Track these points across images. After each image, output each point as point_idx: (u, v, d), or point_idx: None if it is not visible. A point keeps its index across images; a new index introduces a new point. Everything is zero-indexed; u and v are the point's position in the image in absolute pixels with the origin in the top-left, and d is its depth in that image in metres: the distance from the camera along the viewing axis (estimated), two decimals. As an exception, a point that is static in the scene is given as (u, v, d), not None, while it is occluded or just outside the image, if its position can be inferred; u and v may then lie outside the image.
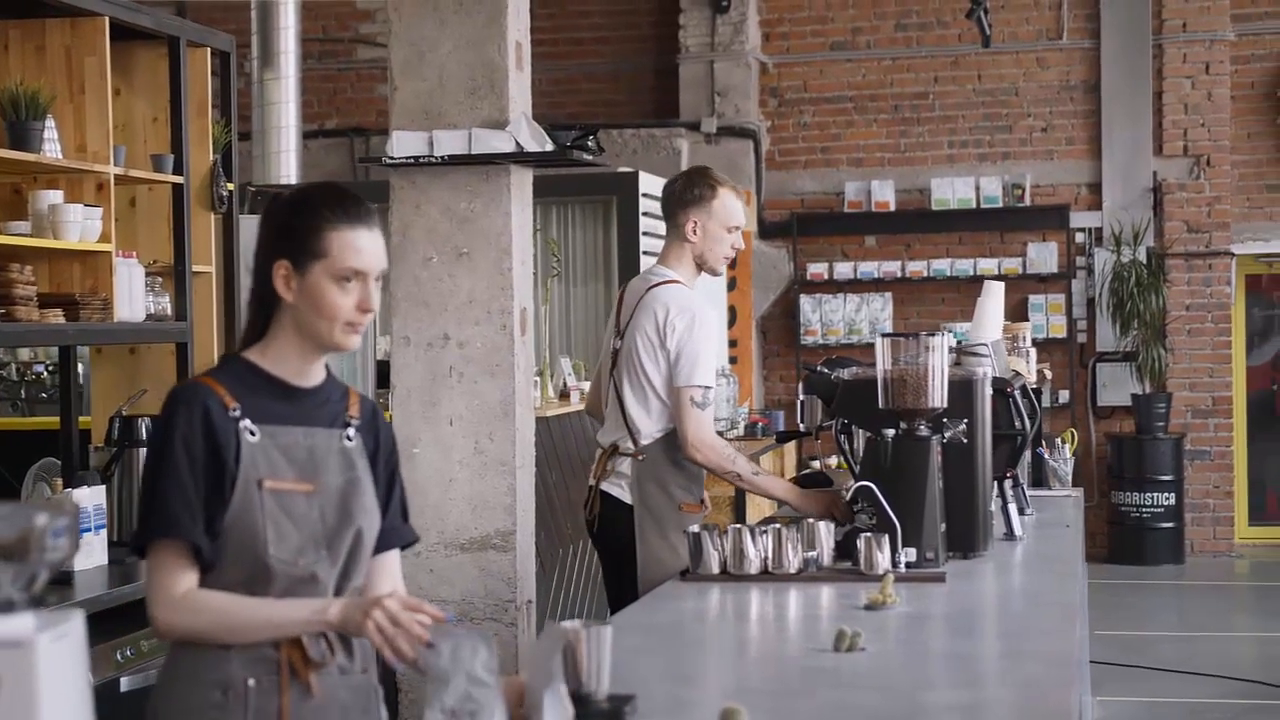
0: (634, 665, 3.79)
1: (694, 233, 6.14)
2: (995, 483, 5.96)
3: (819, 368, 6.12)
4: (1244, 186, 15.41)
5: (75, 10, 6.48)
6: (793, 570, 5.13)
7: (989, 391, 5.74)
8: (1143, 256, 15.03)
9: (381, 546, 3.61)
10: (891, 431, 5.33)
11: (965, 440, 5.50)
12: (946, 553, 5.37)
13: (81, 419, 7.13)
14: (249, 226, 7.68)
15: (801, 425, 6.28)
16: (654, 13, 16.20)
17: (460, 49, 6.80)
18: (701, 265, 6.22)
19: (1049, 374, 9.65)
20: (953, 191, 15.44)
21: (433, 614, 3.26)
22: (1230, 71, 15.29)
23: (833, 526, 5.32)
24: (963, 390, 5.52)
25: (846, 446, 5.98)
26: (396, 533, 3.65)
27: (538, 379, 9.17)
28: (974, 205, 15.42)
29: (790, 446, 13.38)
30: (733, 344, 14.92)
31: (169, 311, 6.96)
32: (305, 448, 3.45)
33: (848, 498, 5.43)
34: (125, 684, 5.46)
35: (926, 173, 15.62)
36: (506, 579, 6.82)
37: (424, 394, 6.78)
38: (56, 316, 6.24)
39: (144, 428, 6.54)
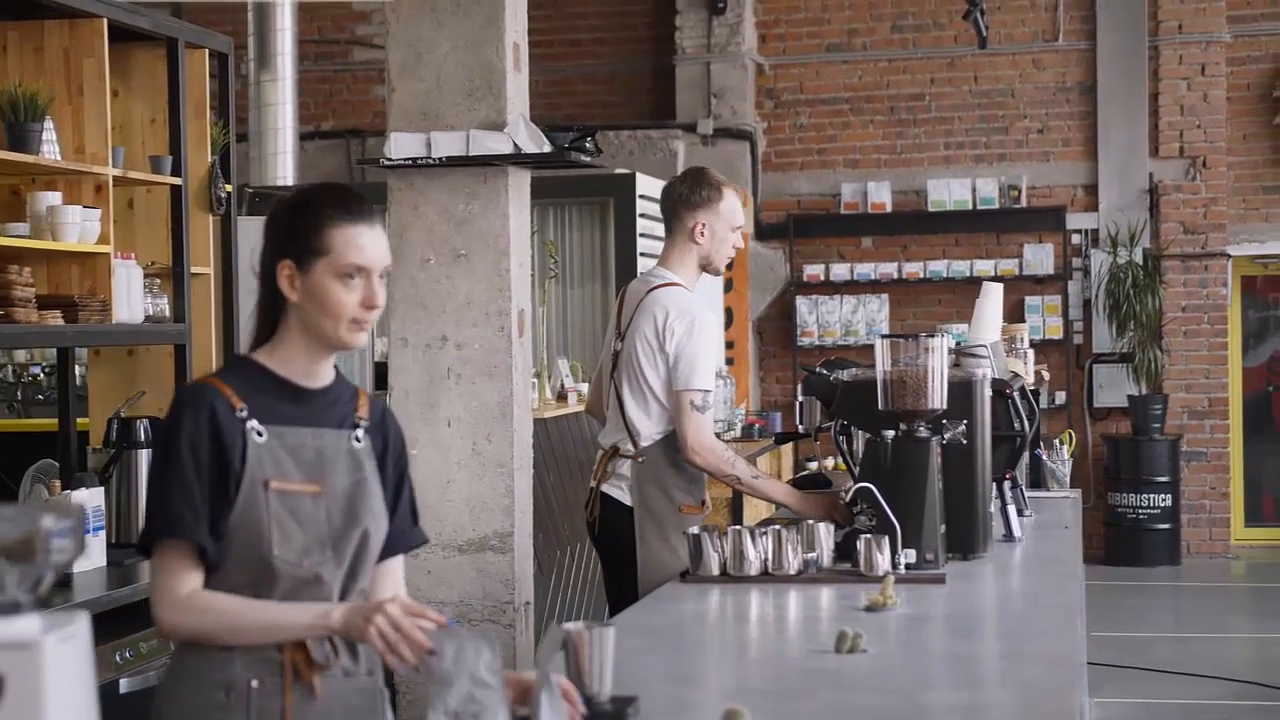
0: (635, 666, 3.79)
1: (701, 235, 6.13)
2: (994, 484, 5.96)
3: (818, 369, 6.12)
4: (1240, 188, 15.41)
5: (74, 12, 6.48)
6: (793, 572, 5.13)
7: (988, 393, 5.74)
8: (1139, 258, 15.03)
9: (389, 551, 3.61)
10: (891, 433, 5.33)
11: (965, 441, 5.50)
12: (946, 554, 5.37)
13: (79, 420, 7.13)
14: (247, 228, 7.69)
15: (800, 427, 6.28)
16: (650, 14, 16.20)
17: (458, 50, 6.80)
18: (706, 267, 6.22)
19: (1046, 375, 9.65)
20: (949, 193, 15.44)
21: (434, 619, 3.26)
22: (1226, 73, 15.30)
23: (832, 528, 5.32)
24: (962, 392, 5.52)
25: (846, 448, 5.97)
26: (405, 536, 3.65)
27: (535, 380, 9.17)
28: (970, 207, 15.42)
29: (788, 448, 13.39)
30: (729, 345, 14.92)
31: (167, 313, 6.96)
32: (313, 448, 3.45)
33: (847, 499, 5.43)
34: (125, 685, 5.47)
35: (923, 174, 15.62)
36: (504, 580, 6.82)
37: (422, 395, 6.78)
38: (55, 318, 6.23)
39: (142, 429, 6.54)
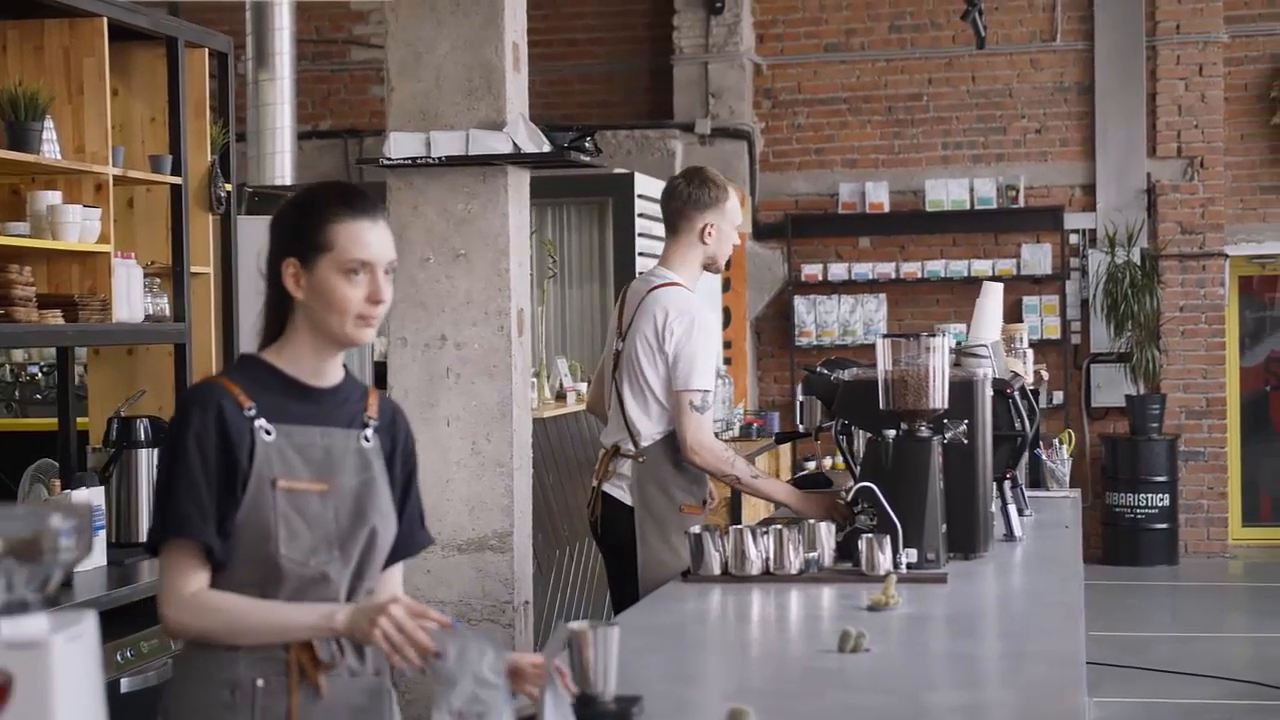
0: (637, 666, 3.79)
1: (710, 235, 6.13)
2: (995, 484, 5.96)
3: (818, 369, 6.12)
4: (1237, 188, 15.42)
5: (74, 11, 6.47)
6: (794, 571, 5.13)
7: (989, 392, 5.74)
8: (1136, 258, 15.03)
9: (397, 555, 3.60)
10: (892, 432, 5.34)
11: (966, 441, 5.51)
12: (947, 554, 5.37)
13: (78, 420, 7.12)
14: (247, 228, 7.69)
15: (801, 426, 6.28)
16: (648, 14, 16.20)
17: (457, 50, 6.80)
18: (709, 266, 6.22)
19: (1046, 375, 9.66)
20: (947, 193, 15.44)
21: (438, 619, 3.26)
22: (1224, 73, 15.31)
23: (833, 528, 5.32)
24: (963, 391, 5.53)
25: (846, 447, 5.98)
26: (412, 539, 3.64)
27: (534, 380, 9.17)
28: (968, 207, 15.43)
29: (786, 448, 13.39)
30: (727, 345, 14.92)
31: (167, 312, 6.95)
32: (322, 447, 3.45)
33: (848, 499, 5.42)
34: (125, 685, 5.46)
35: (920, 174, 15.62)
36: (504, 580, 6.83)
37: (421, 395, 6.78)
38: (55, 317, 6.23)
39: (142, 429, 6.53)
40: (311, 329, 3.45)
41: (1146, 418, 14.89)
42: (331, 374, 3.52)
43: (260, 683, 3.38)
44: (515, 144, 6.71)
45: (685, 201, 6.15)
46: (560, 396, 9.90)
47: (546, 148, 6.78)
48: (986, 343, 6.46)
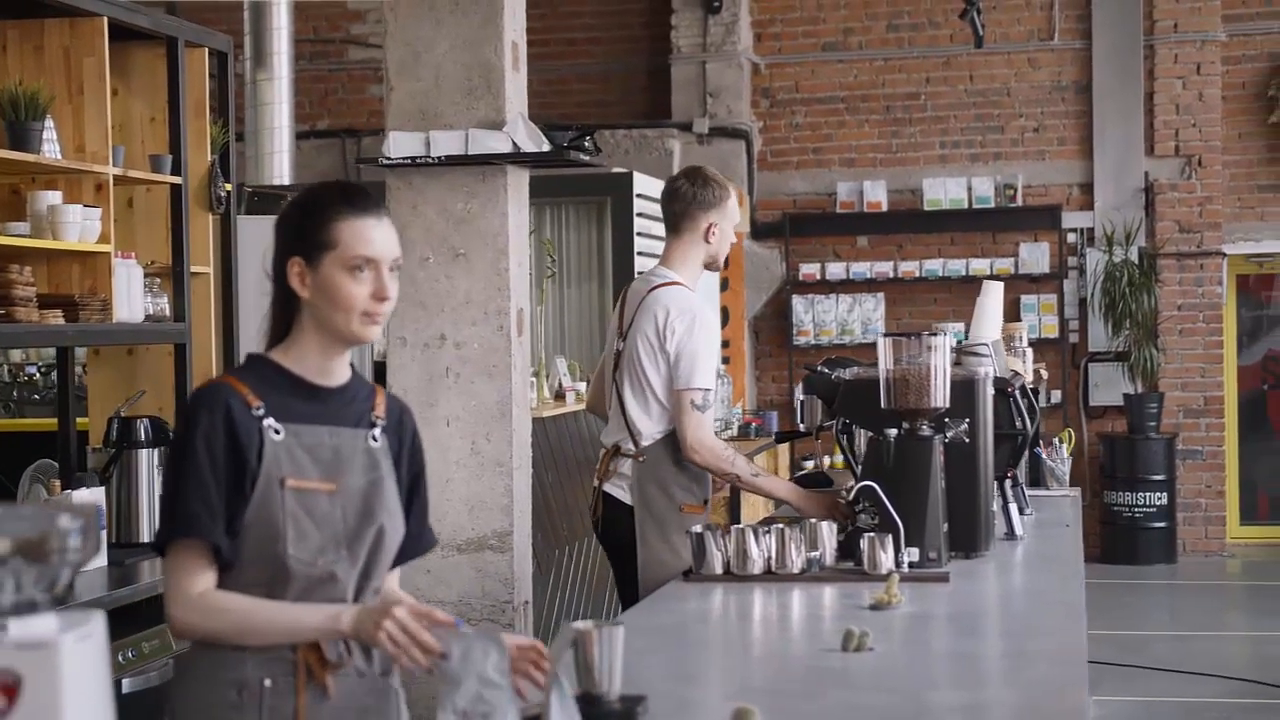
0: (639, 666, 3.79)
1: (713, 234, 6.14)
2: (995, 483, 5.96)
3: (819, 368, 6.12)
4: (1235, 187, 15.42)
5: (74, 10, 6.46)
6: (796, 570, 5.13)
7: (990, 391, 5.74)
8: (1134, 256, 15.03)
9: (404, 556, 3.60)
10: (894, 431, 5.33)
11: (967, 440, 5.51)
12: (949, 553, 5.37)
13: (78, 420, 7.12)
14: (247, 227, 7.68)
15: (801, 425, 6.28)
16: (646, 13, 16.20)
17: (457, 49, 6.80)
18: (710, 265, 6.23)
19: (1045, 373, 9.65)
20: (945, 192, 15.44)
21: (442, 619, 3.26)
22: (1221, 72, 15.31)
23: (835, 527, 5.32)
24: (965, 390, 5.53)
25: (847, 446, 5.98)
26: (419, 540, 3.64)
27: (534, 380, 9.16)
28: (966, 206, 15.43)
29: (784, 447, 13.39)
30: (725, 345, 14.90)
31: (167, 312, 6.95)
32: (330, 447, 3.45)
33: (850, 498, 5.43)
34: (127, 685, 5.46)
35: (918, 173, 15.63)
36: (503, 580, 6.83)
37: (421, 394, 6.78)
38: (56, 317, 6.22)
39: (143, 429, 6.53)
40: (318, 328, 3.45)
41: (1144, 416, 14.90)
42: (339, 373, 3.52)
43: (268, 683, 3.38)
44: (515, 143, 6.71)
45: (690, 202, 6.14)
46: (559, 396, 9.90)
47: (546, 147, 6.78)
48: (987, 341, 6.46)
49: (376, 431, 3.54)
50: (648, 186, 11.77)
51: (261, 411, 3.39)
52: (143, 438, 6.53)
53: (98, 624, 2.14)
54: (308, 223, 3.45)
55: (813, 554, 5.18)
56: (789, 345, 15.61)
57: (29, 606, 2.10)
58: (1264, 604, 13.45)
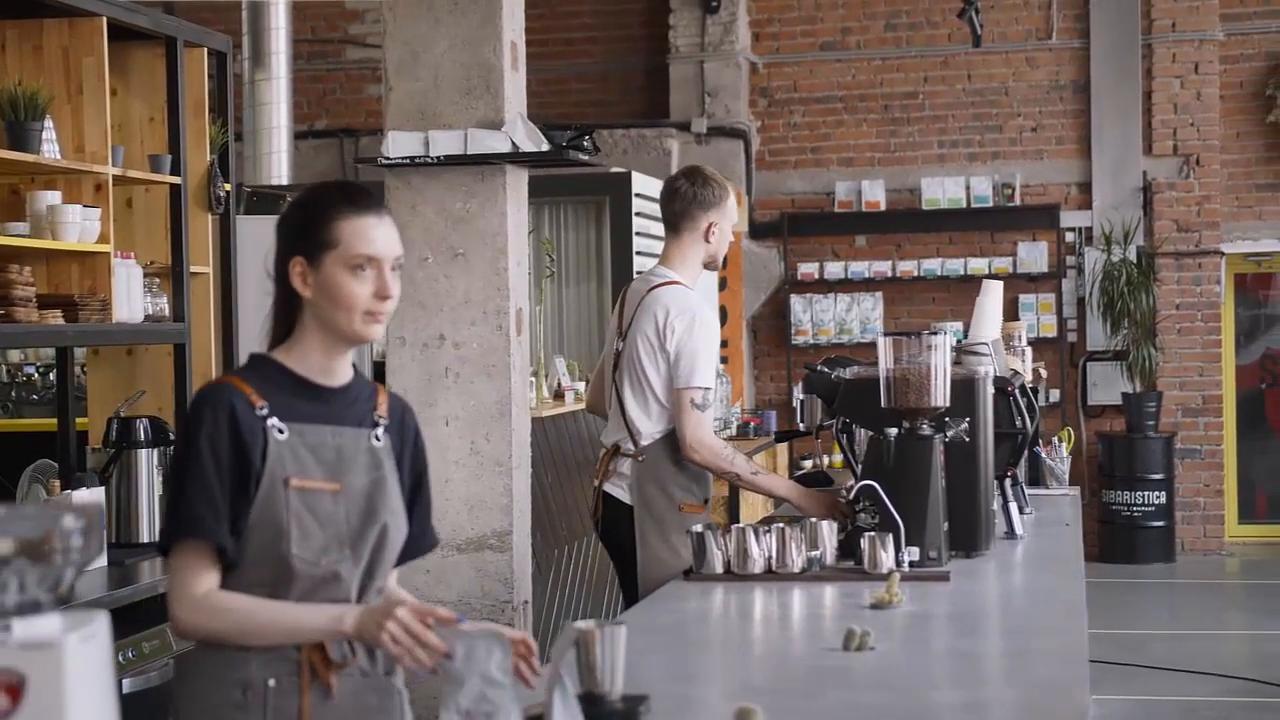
0: (640, 666, 3.78)
1: (713, 234, 6.14)
2: (995, 482, 5.96)
3: (819, 367, 6.12)
4: (1233, 186, 15.42)
5: (73, 10, 6.46)
6: (796, 570, 5.13)
7: (991, 390, 5.74)
8: (1133, 256, 15.03)
9: (406, 555, 3.60)
10: (894, 431, 5.33)
11: (967, 439, 5.50)
12: (949, 552, 5.37)
13: (77, 420, 7.11)
14: (246, 227, 7.67)
15: (801, 425, 6.28)
16: (644, 13, 16.20)
17: (455, 49, 6.80)
18: (709, 264, 6.23)
19: (1044, 372, 9.65)
20: (943, 191, 15.44)
21: (444, 616, 3.25)
22: (1219, 71, 15.31)
23: (835, 526, 5.32)
24: (965, 389, 5.52)
25: (847, 446, 5.98)
26: (422, 539, 3.64)
27: (533, 379, 9.16)
28: (964, 205, 15.43)
29: (782, 447, 13.39)
30: (723, 344, 14.86)
31: (167, 312, 6.94)
32: (333, 447, 3.45)
33: (850, 497, 5.42)
34: (127, 686, 5.45)
35: (916, 172, 15.63)
36: (503, 579, 6.82)
37: (420, 394, 6.77)
38: (55, 317, 6.22)
39: (142, 429, 6.52)
40: (320, 327, 3.45)
41: (1143, 415, 14.90)
42: (341, 373, 3.52)
43: (272, 683, 3.38)
44: (514, 143, 6.71)
45: (691, 201, 6.14)
46: (558, 396, 9.90)
47: (545, 147, 6.78)
48: (987, 341, 6.46)
49: (379, 431, 3.54)
50: (646, 186, 11.77)
51: (265, 411, 3.39)
52: (142, 438, 6.52)
53: (101, 624, 2.14)
54: (309, 222, 3.45)
55: (813, 553, 5.18)
56: (787, 345, 15.61)
57: (33, 606, 2.10)
58: (1262, 603, 13.45)
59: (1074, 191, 15.47)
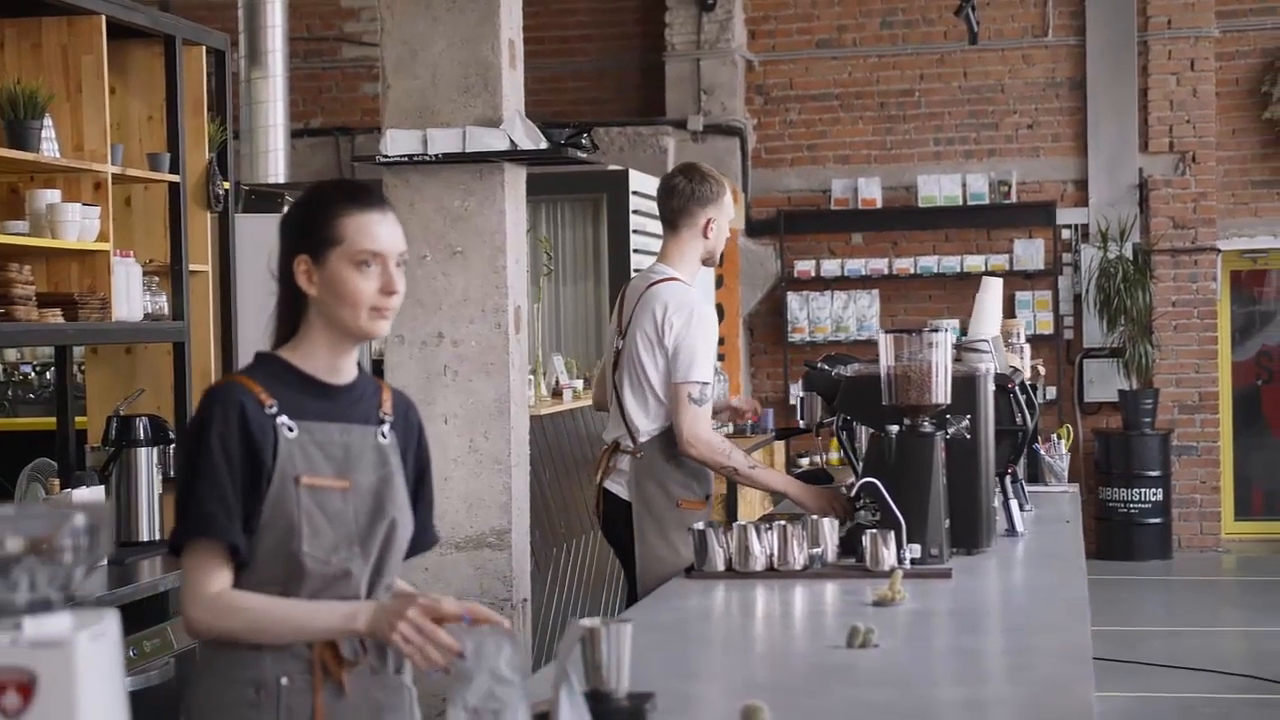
0: (643, 663, 3.77)
1: (711, 229, 6.14)
2: (996, 479, 5.96)
3: (819, 364, 6.12)
4: (1229, 183, 15.43)
5: (72, 9, 6.45)
6: (798, 567, 5.12)
7: (991, 387, 5.74)
8: (1129, 253, 15.04)
9: (410, 552, 3.60)
10: (895, 428, 5.33)
11: (968, 436, 5.50)
12: (950, 549, 5.37)
13: (76, 419, 7.10)
14: (244, 225, 7.66)
15: (801, 422, 6.27)
16: (639, 10, 16.20)
17: (453, 47, 6.79)
18: (707, 260, 6.23)
19: (1043, 370, 9.64)
20: (939, 188, 15.45)
21: (452, 614, 3.25)
22: (1215, 68, 15.32)
23: (836, 523, 5.32)
24: (966, 386, 5.52)
25: (848, 443, 5.97)
26: (424, 535, 3.64)
27: (531, 377, 9.15)
28: (960, 202, 15.43)
29: (780, 444, 13.39)
30: (720, 342, 14.84)
31: (166, 311, 6.93)
32: (341, 444, 3.45)
33: (851, 494, 5.42)
34: (128, 684, 5.44)
35: (913, 170, 15.63)
36: (502, 577, 6.82)
37: (418, 393, 6.76)
38: (55, 316, 6.21)
39: (142, 428, 6.51)
40: (326, 325, 3.45)
41: (1139, 413, 14.91)
42: (347, 370, 3.52)
43: (284, 681, 3.38)
44: (512, 141, 6.70)
45: (689, 198, 6.14)
46: (557, 393, 9.89)
47: (543, 144, 6.78)
48: (987, 338, 6.46)
49: (385, 428, 3.54)
50: (644, 184, 11.75)
51: (274, 410, 3.39)
52: (142, 436, 6.51)
53: (111, 622, 2.14)
54: (313, 220, 3.46)
55: (814, 551, 5.18)
56: (784, 342, 15.61)
57: (43, 605, 2.10)
58: (1259, 599, 13.47)
59: (1070, 189, 15.47)
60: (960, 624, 4.65)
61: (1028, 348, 8.21)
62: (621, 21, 16.28)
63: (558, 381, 9.89)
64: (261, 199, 10.23)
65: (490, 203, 6.81)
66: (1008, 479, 6.17)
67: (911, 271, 15.44)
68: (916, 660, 4.10)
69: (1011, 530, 6.11)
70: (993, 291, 6.83)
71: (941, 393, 5.32)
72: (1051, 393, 15.07)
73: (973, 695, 3.74)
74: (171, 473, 6.71)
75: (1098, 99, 15.36)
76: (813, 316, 15.61)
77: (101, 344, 6.97)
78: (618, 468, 6.13)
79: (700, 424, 5.96)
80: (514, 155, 6.76)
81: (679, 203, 6.17)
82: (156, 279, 6.95)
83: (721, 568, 5.16)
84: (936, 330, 5.37)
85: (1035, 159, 15.53)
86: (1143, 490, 14.83)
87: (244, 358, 7.12)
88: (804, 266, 15.62)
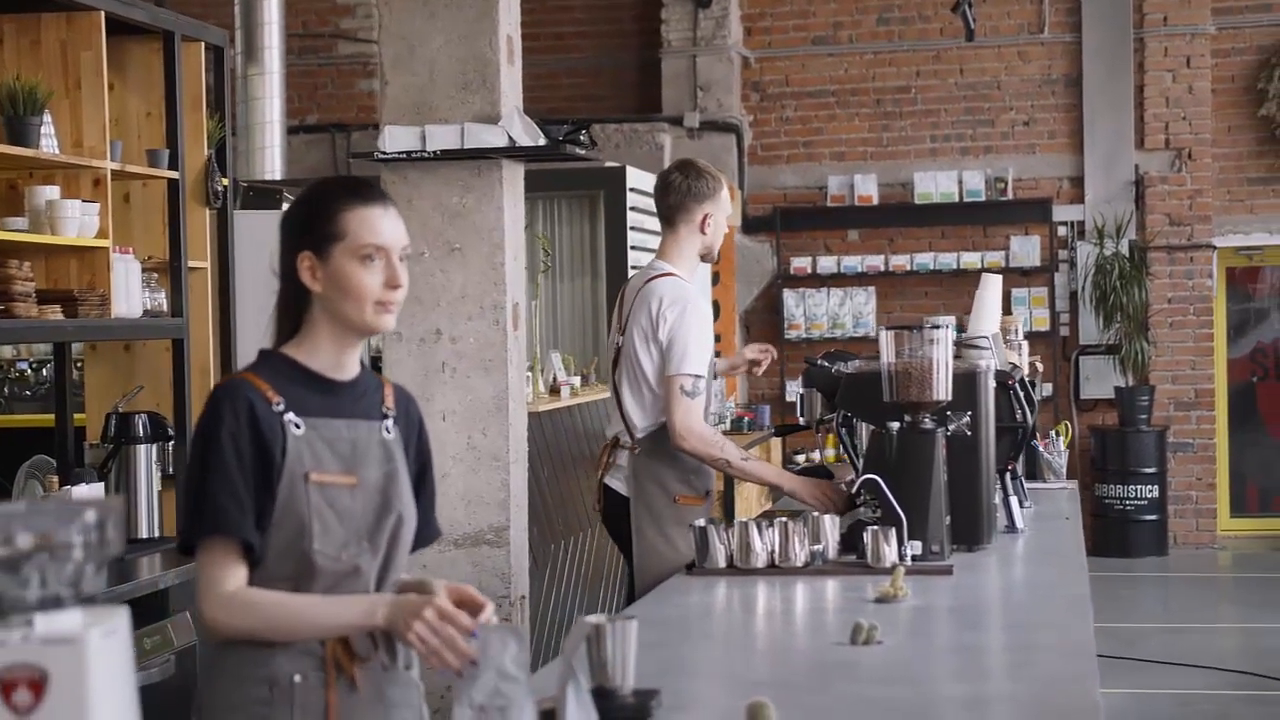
0: (645, 660, 3.76)
1: (708, 225, 6.15)
2: (996, 475, 5.96)
3: (819, 361, 6.12)
4: (1225, 180, 15.43)
5: (71, 5, 6.44)
6: (799, 564, 5.12)
7: (992, 384, 5.74)
8: (1125, 250, 15.04)
9: (414, 546, 3.60)
10: (896, 425, 5.33)
11: (969, 433, 5.49)
12: (951, 545, 5.37)
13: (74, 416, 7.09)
14: (243, 222, 7.65)
15: (801, 419, 6.27)
16: (636, 7, 16.19)
17: (451, 43, 6.79)
18: (706, 256, 6.24)
19: (1040, 366, 9.64)
20: (935, 185, 15.45)
21: (464, 627, 3.24)
22: (1211, 65, 15.32)
23: (837, 520, 5.32)
24: (966, 383, 5.52)
25: (848, 440, 5.97)
26: (427, 530, 3.64)
27: (529, 374, 9.15)
28: (956, 199, 15.43)
29: (776, 441, 13.39)
30: (716, 339, 14.86)
31: (165, 308, 6.92)
32: (348, 440, 3.45)
33: (852, 490, 5.42)
34: (130, 681, 5.43)
35: (909, 166, 15.63)
36: (500, 574, 6.82)
37: (417, 389, 6.74)
38: (55, 313, 6.20)
39: (141, 425, 6.51)
40: (331, 321, 3.45)
41: (1135, 409, 14.91)
42: (351, 366, 3.52)
43: (297, 679, 3.37)
44: (510, 137, 6.69)
45: (685, 194, 6.14)
46: (554, 390, 9.89)
47: (542, 141, 6.77)
48: (987, 335, 6.46)
49: (389, 423, 3.54)
50: (641, 180, 11.74)
51: (282, 407, 3.39)
52: (141, 433, 6.51)
53: (122, 619, 2.14)
54: (315, 216, 3.46)
55: (816, 547, 5.18)
56: (780, 339, 15.59)
57: (54, 602, 2.10)
58: (1255, 596, 13.48)
59: (1066, 185, 15.48)
60: (963, 621, 4.65)
61: (1025, 344, 8.20)
62: (618, 18, 16.28)
63: (555, 378, 9.88)
64: (260, 195, 10.21)
65: (488, 199, 6.80)
66: (1008, 476, 6.17)
67: (908, 268, 15.44)
68: (920, 657, 4.10)
69: (1011, 527, 6.11)
70: (992, 288, 6.83)
71: (942, 389, 5.32)
72: (1047, 390, 15.06)
73: (977, 692, 3.73)
74: (171, 469, 6.72)
75: (1094, 96, 15.36)
76: (809, 313, 15.61)
77: (101, 341, 6.96)
78: (617, 463, 6.14)
79: (692, 416, 5.95)
80: (512, 152, 6.75)
81: (675, 199, 6.17)
82: (155, 275, 6.94)
83: (723, 564, 5.16)
84: (938, 327, 5.37)
85: (1031, 156, 15.53)
86: (1138, 487, 14.83)
87: (243, 354, 7.13)
88: (800, 263, 15.62)
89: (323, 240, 3.42)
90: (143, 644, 5.55)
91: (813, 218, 15.74)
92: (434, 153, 6.73)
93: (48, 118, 6.30)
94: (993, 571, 5.39)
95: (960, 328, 7.05)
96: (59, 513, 2.11)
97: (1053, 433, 8.01)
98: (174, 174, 6.94)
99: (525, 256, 7.25)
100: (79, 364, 7.52)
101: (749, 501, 11.16)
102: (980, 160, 15.56)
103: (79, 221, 6.32)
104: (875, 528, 5.13)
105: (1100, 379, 15.28)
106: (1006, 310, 14.37)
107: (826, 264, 15.56)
